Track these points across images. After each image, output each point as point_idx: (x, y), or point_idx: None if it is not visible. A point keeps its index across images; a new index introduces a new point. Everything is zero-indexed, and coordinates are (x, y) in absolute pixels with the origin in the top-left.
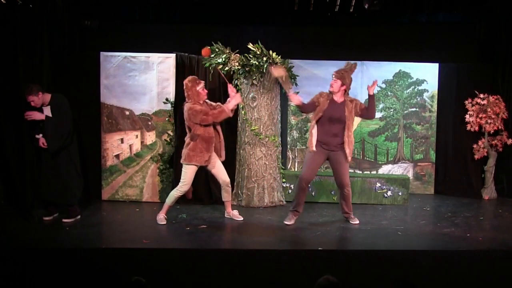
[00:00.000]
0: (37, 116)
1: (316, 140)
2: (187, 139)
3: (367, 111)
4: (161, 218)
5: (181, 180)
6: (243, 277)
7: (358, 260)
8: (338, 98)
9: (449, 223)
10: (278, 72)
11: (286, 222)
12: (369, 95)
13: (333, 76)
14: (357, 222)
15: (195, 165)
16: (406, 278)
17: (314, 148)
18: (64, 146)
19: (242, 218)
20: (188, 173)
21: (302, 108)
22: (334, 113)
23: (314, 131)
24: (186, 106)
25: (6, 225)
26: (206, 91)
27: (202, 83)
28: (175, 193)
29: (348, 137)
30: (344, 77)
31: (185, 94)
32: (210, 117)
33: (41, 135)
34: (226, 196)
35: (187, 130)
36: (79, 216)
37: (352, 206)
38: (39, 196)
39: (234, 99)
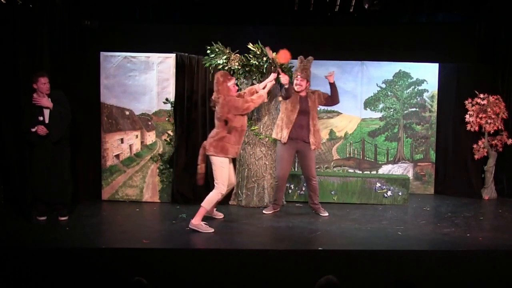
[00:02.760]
0: (45, 102)
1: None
2: (220, 132)
3: (331, 99)
4: (203, 225)
5: (218, 181)
6: (243, 277)
7: (358, 260)
8: (303, 92)
9: (449, 223)
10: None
11: (264, 211)
12: (330, 83)
13: (299, 76)
14: (327, 214)
15: (229, 157)
16: (406, 278)
17: (286, 140)
18: (64, 136)
19: (222, 216)
20: (224, 167)
21: (288, 91)
22: (301, 106)
23: (281, 123)
24: (223, 99)
25: (6, 225)
26: (236, 87)
27: (234, 80)
28: (216, 198)
29: (314, 126)
30: (308, 75)
31: (215, 88)
32: (251, 103)
33: (36, 127)
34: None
35: (218, 123)
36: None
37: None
38: (35, 195)
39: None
